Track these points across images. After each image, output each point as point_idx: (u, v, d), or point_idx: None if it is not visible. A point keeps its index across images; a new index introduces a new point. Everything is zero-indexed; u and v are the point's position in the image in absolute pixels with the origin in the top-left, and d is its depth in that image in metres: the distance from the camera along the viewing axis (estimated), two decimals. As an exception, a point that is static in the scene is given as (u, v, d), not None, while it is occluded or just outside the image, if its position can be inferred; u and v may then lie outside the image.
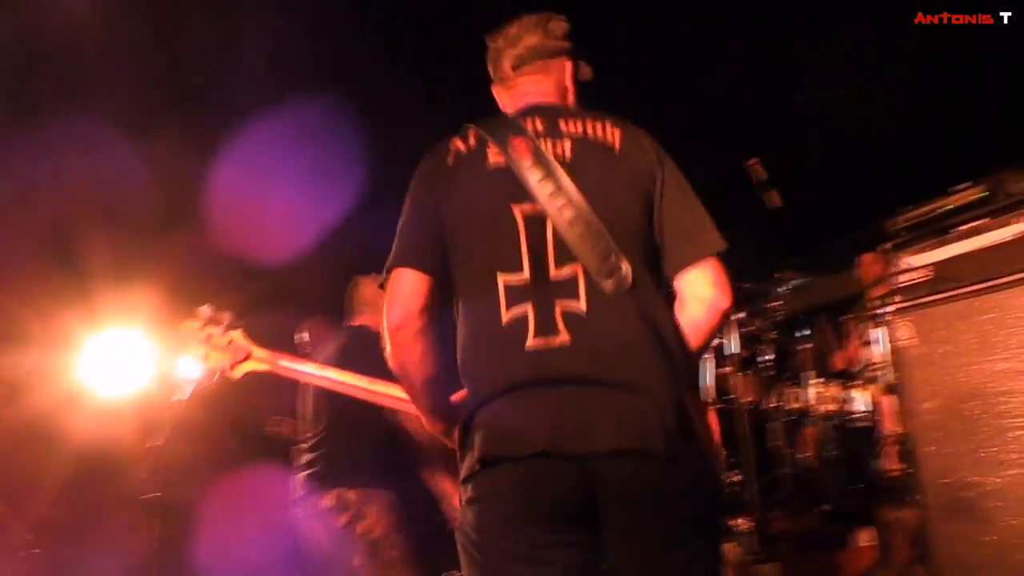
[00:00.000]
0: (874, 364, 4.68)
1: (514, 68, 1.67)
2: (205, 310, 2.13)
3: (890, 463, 4.18)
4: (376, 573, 2.47)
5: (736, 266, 1.57)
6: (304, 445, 2.77)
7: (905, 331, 2.99)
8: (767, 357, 4.45)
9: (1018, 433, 2.59)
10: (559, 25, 1.69)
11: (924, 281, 2.94)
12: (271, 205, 5.01)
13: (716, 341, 4.34)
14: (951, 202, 2.87)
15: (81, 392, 4.62)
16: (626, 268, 1.42)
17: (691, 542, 1.37)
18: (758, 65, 5.38)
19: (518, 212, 1.45)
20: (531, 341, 1.39)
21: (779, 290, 4.43)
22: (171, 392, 4.48)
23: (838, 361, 4.92)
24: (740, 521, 3.48)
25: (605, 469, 1.33)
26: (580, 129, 1.54)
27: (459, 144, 1.56)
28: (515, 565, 1.34)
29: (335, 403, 2.60)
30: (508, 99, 1.71)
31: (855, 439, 4.76)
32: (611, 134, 1.54)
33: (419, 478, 2.68)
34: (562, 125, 1.54)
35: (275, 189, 5.02)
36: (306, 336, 4.37)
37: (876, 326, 4.15)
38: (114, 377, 4.63)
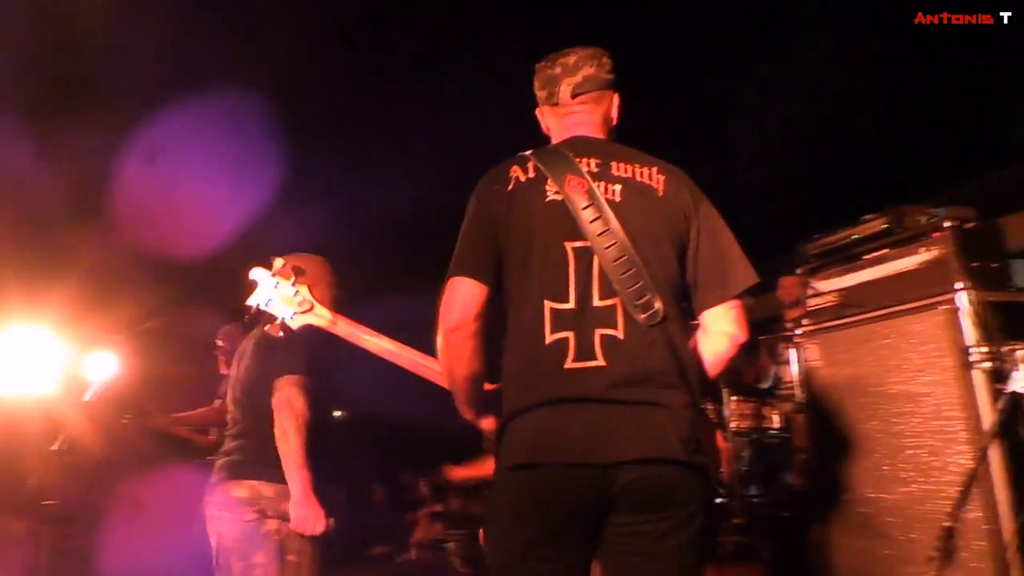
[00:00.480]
0: (788, 383, 4.86)
1: (573, 96, 1.83)
2: (279, 262, 2.16)
3: (799, 478, 4.35)
4: (276, 574, 2.40)
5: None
6: (228, 433, 2.68)
7: (811, 352, 3.14)
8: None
9: (911, 452, 2.73)
10: (608, 60, 1.87)
11: (831, 306, 3.09)
12: (183, 201, 4.86)
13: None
14: (857, 232, 3.02)
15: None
16: (658, 304, 1.62)
17: (694, 537, 1.59)
18: (696, 93, 5.54)
19: (569, 247, 1.64)
20: (571, 363, 1.59)
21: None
22: (78, 392, 4.30)
23: (746, 376, 5.08)
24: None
25: (628, 473, 1.53)
26: (630, 173, 1.73)
27: (519, 172, 1.72)
28: (533, 551, 1.55)
29: (256, 395, 2.56)
30: (558, 124, 1.87)
31: (770, 455, 4.94)
32: (656, 180, 1.73)
33: (337, 480, 2.73)
34: (614, 168, 1.72)
35: (187, 184, 4.88)
36: (220, 342, 4.26)
37: (790, 347, 4.32)
38: (18, 377, 4.41)
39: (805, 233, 3.29)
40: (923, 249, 2.77)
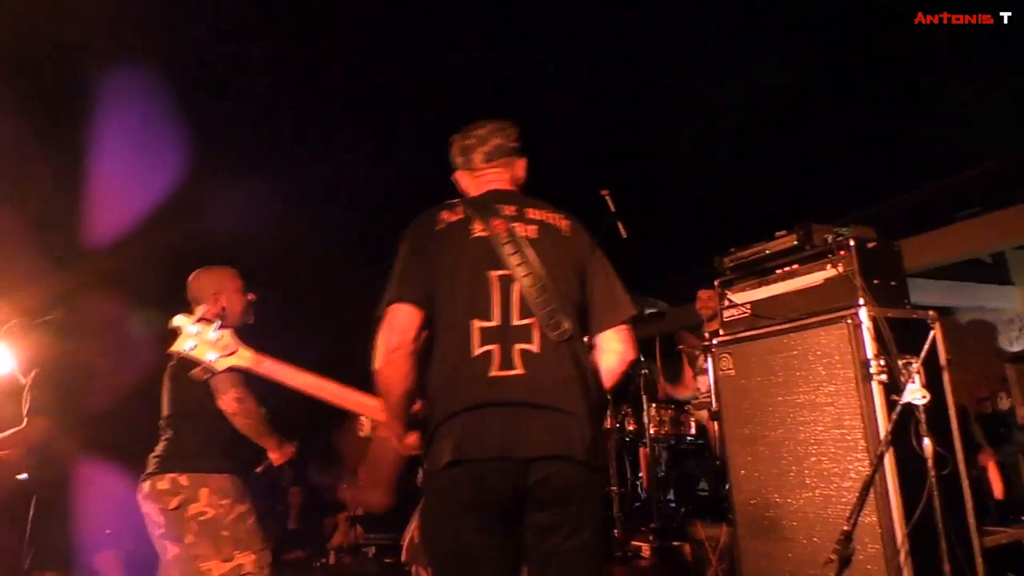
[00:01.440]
0: (704, 392, 5.02)
1: (486, 161, 2.14)
2: (201, 309, 2.35)
3: (712, 484, 4.50)
4: (207, 550, 2.71)
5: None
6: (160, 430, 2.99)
7: (725, 362, 3.24)
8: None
9: (815, 459, 2.85)
10: (514, 131, 2.19)
11: (743, 317, 3.21)
12: (88, 183, 4.64)
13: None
14: (769, 247, 3.14)
15: None
16: (567, 324, 1.88)
17: (594, 528, 1.86)
18: (625, 105, 5.64)
19: (493, 275, 1.90)
20: (494, 372, 1.83)
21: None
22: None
23: (667, 389, 5.22)
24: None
25: (540, 469, 1.77)
26: (542, 216, 2.04)
27: (447, 215, 2.00)
28: (468, 535, 1.78)
29: (184, 393, 2.85)
30: (474, 184, 2.15)
31: (686, 461, 5.08)
32: (563, 223, 2.05)
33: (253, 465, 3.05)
34: (529, 213, 2.03)
35: (91, 166, 4.66)
36: None
37: (707, 357, 4.46)
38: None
39: (724, 246, 3.41)
40: (829, 266, 2.91)
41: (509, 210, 2.01)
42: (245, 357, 2.26)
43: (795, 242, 3.00)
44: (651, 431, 4.56)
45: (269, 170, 5.16)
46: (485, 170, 2.14)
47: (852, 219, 3.02)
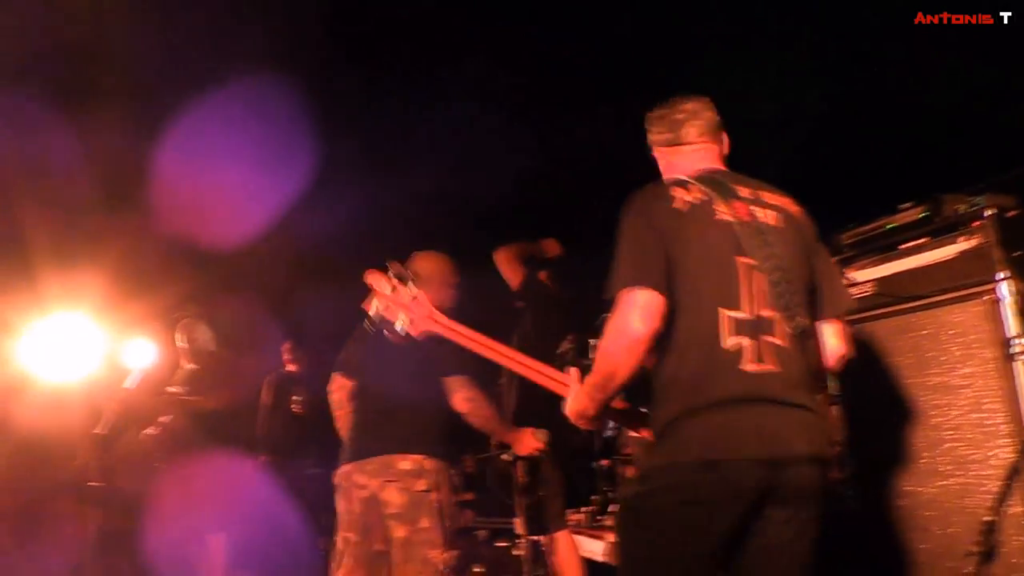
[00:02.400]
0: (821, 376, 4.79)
1: (699, 136, 2.05)
2: (395, 265, 2.22)
3: (835, 471, 4.30)
4: (438, 537, 2.79)
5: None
6: (371, 408, 3.04)
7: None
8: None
9: (949, 445, 2.68)
10: (714, 107, 2.12)
11: (867, 296, 3.04)
12: (218, 187, 4.93)
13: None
14: (894, 220, 2.96)
15: (26, 378, 4.50)
16: (801, 319, 1.82)
17: (818, 529, 1.80)
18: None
19: (740, 262, 1.80)
20: (748, 365, 1.73)
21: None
22: (118, 378, 4.41)
23: None
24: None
25: (793, 469, 1.70)
26: (778, 201, 1.95)
27: (683, 193, 1.86)
28: (698, 535, 1.70)
29: (407, 373, 2.93)
30: (684, 160, 2.04)
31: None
32: (794, 208, 1.97)
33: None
34: (764, 196, 1.94)
35: (222, 171, 4.95)
36: (286, 355, 4.37)
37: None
38: (60, 363, 4.53)
39: (834, 223, 3.24)
40: (962, 238, 2.70)
41: (746, 192, 1.92)
42: (440, 321, 2.16)
43: (923, 214, 2.81)
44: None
45: (392, 173, 5.28)
46: (698, 145, 2.05)
47: (987, 186, 2.79)
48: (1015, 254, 2.62)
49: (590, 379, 1.85)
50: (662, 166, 2.11)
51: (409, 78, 4.86)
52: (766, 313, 1.78)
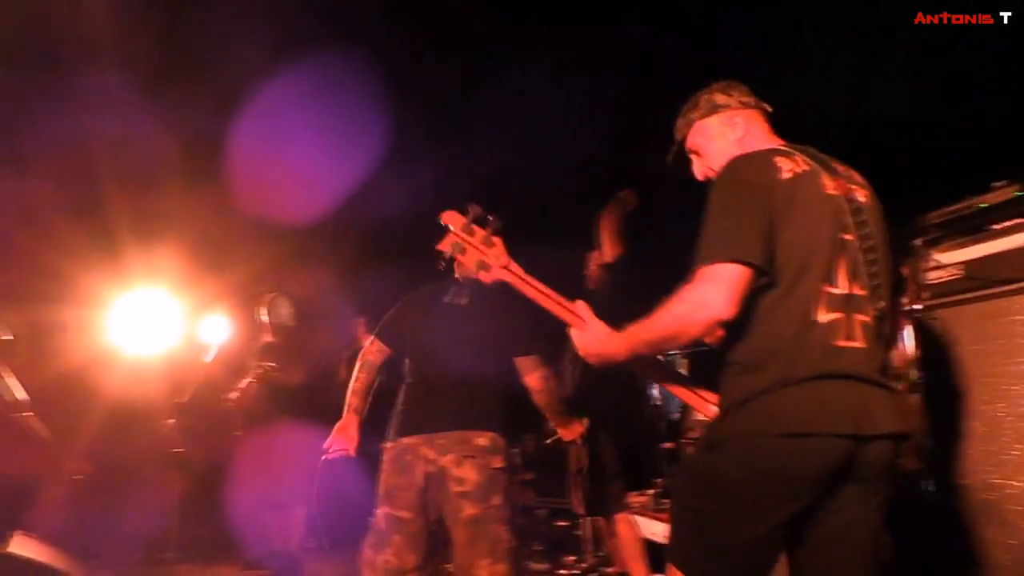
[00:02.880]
0: (900, 362, 4.61)
1: (765, 114, 2.02)
2: (475, 208, 2.05)
3: (909, 462, 4.14)
4: (508, 515, 2.74)
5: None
6: (441, 380, 2.93)
7: (933, 329, 2.95)
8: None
9: (1042, 437, 2.54)
10: None
11: (954, 279, 2.89)
12: (294, 164, 5.02)
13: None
14: (986, 200, 2.79)
15: (111, 349, 4.73)
16: (885, 299, 1.83)
17: (888, 505, 1.78)
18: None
19: (843, 238, 1.78)
20: (841, 341, 1.72)
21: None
22: (198, 351, 4.60)
23: None
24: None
25: (876, 447, 1.69)
26: (862, 181, 1.92)
27: (787, 163, 1.80)
28: (773, 514, 1.66)
29: (486, 355, 2.87)
30: (759, 129, 1.99)
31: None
32: (870, 190, 1.93)
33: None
34: (854, 175, 1.92)
35: (297, 147, 5.03)
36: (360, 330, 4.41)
37: (903, 324, 4.09)
38: (142, 336, 4.74)
39: (922, 202, 3.09)
40: (1062, 218, 2.54)
41: (840, 168, 1.89)
42: (516, 273, 2.05)
43: (1017, 193, 2.64)
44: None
45: (465, 146, 5.26)
46: (764, 116, 2.01)
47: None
48: (1120, 235, 2.45)
49: (641, 333, 1.80)
50: (732, 134, 1.99)
51: (483, 52, 4.83)
52: (858, 291, 1.76)
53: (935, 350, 2.95)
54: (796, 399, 1.66)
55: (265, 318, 4.64)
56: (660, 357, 2.01)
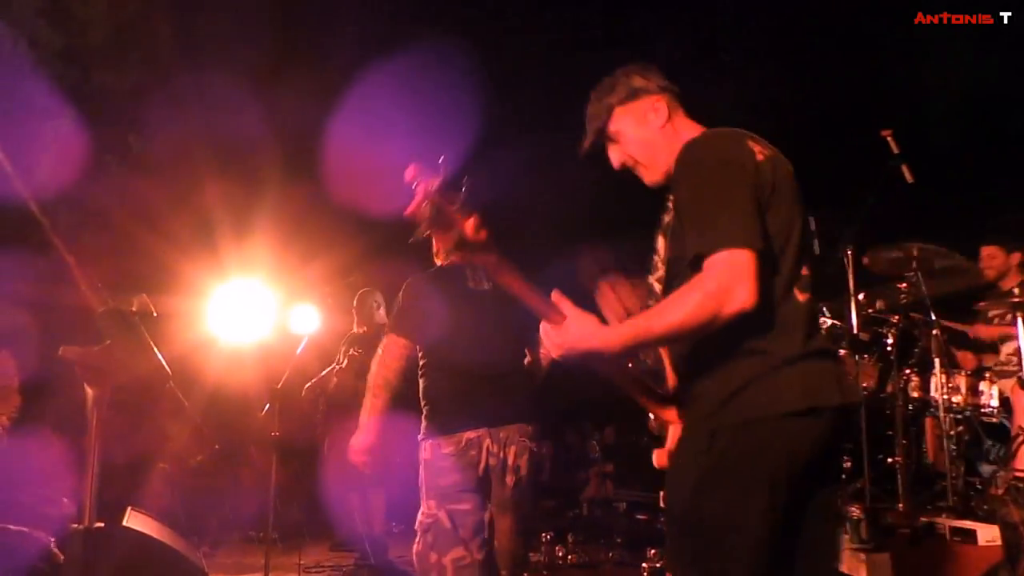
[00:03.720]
0: (1010, 356, 4.36)
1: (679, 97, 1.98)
2: (446, 163, 1.77)
3: (1021, 462, 3.91)
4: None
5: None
6: (492, 372, 2.88)
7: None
8: (888, 341, 4.23)
9: None
10: None
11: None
12: (385, 154, 5.10)
13: (833, 322, 4.15)
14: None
15: (211, 339, 4.94)
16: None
17: None
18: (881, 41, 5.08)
19: (799, 221, 1.77)
20: (816, 320, 1.81)
21: (906, 272, 4.16)
22: (288, 341, 4.76)
23: (968, 355, 4.63)
24: (852, 509, 3.35)
25: (852, 415, 1.89)
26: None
27: (757, 145, 1.77)
28: (789, 492, 1.64)
29: (516, 347, 2.87)
30: (678, 115, 1.94)
31: (981, 434, 4.47)
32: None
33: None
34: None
35: (390, 137, 5.10)
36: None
37: (1016, 317, 3.86)
38: (238, 325, 4.93)
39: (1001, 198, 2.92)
40: None
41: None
42: (496, 256, 1.79)
43: None
44: (940, 400, 4.07)
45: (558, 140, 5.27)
46: (673, 96, 1.95)
47: None
48: None
49: (649, 325, 1.64)
50: (656, 120, 1.90)
51: (575, 43, 4.81)
52: (805, 271, 1.78)
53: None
54: (803, 375, 1.65)
55: (357, 309, 4.82)
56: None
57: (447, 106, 4.86)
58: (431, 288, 2.98)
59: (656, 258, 1.91)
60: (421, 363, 3.00)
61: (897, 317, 4.16)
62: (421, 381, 3.00)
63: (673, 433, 1.88)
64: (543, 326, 1.71)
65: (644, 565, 4.72)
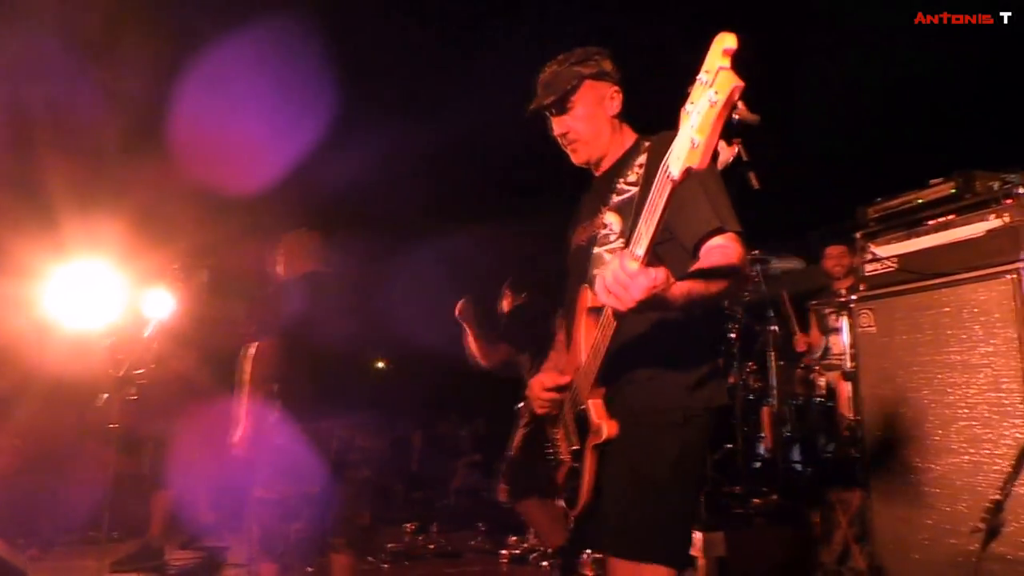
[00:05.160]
0: (837, 351, 4.80)
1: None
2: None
3: (842, 446, 4.32)
4: None
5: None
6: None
7: (866, 319, 3.07)
8: (731, 336, 4.54)
9: (963, 424, 2.67)
10: None
11: (888, 272, 3.01)
12: (238, 132, 4.90)
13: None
14: (921, 196, 2.91)
15: (48, 323, 4.57)
16: None
17: None
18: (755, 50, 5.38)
19: None
20: None
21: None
22: (138, 326, 4.47)
23: (799, 345, 5.02)
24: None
25: None
26: None
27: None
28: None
29: None
30: (622, 112, 2.03)
31: (812, 422, 4.90)
32: None
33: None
34: None
35: (241, 116, 4.90)
36: None
37: (841, 315, 4.24)
38: (81, 310, 4.58)
39: (862, 199, 3.21)
40: (992, 216, 2.66)
41: None
42: None
43: (952, 190, 2.76)
44: (777, 390, 4.42)
45: (411, 120, 5.19)
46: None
47: (1020, 165, 2.74)
48: (1044, 234, 2.58)
49: (704, 283, 1.62)
50: (611, 108, 1.98)
51: (442, 27, 4.77)
52: None
53: (867, 339, 3.07)
54: (720, 373, 1.89)
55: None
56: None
57: (302, 86, 4.72)
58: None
59: (606, 231, 1.90)
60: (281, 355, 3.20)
61: (740, 313, 4.47)
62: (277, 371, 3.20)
63: (595, 407, 1.80)
64: (625, 264, 1.42)
65: (503, 552, 4.83)
